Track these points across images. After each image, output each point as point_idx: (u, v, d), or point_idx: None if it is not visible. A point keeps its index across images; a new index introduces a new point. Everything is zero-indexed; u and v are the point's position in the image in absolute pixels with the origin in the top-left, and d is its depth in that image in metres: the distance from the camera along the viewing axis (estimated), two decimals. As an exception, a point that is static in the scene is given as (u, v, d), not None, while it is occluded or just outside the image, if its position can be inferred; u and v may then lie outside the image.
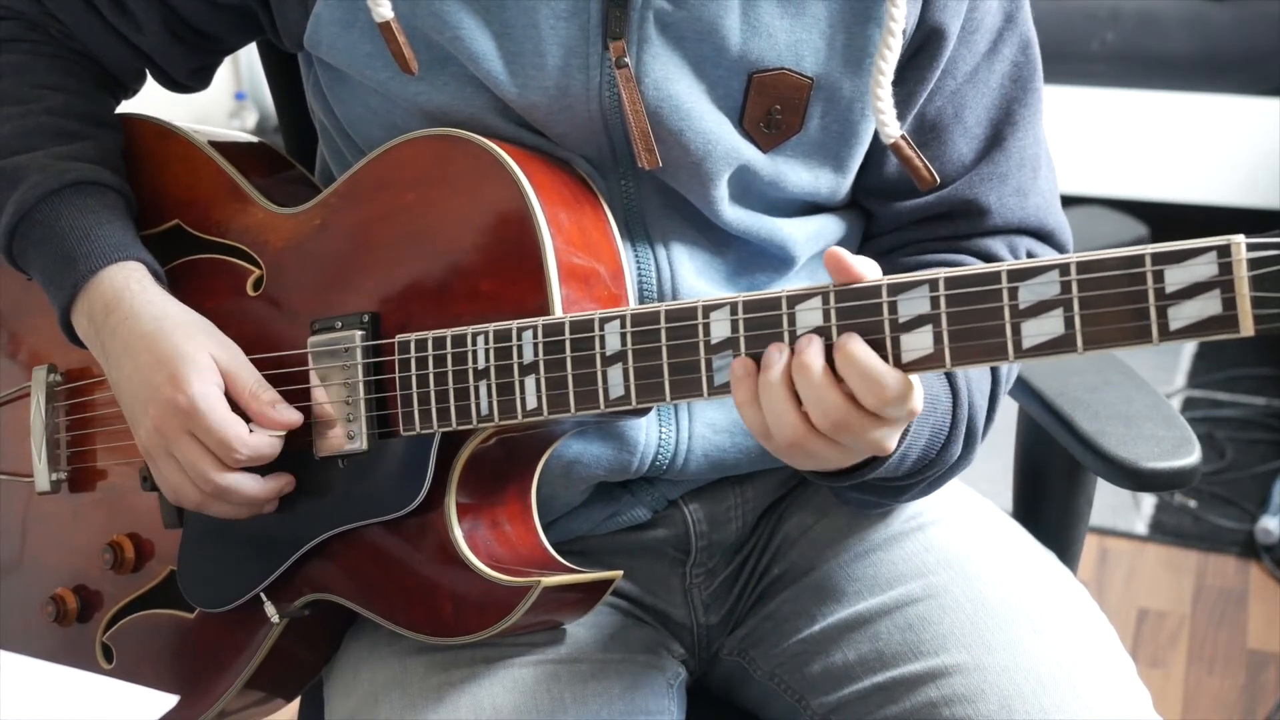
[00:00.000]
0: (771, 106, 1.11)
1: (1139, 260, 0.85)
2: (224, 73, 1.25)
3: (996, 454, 1.43)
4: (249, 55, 3.45)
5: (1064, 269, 0.87)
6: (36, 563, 1.31)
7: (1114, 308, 0.86)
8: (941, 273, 0.91)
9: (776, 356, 0.96)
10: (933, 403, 1.07)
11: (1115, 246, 0.87)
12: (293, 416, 1.12)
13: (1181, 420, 1.28)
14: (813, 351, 0.95)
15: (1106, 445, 1.24)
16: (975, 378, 1.11)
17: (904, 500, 1.16)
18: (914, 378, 0.94)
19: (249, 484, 1.12)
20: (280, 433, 1.12)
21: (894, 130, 1.07)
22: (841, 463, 1.00)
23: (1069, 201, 1.24)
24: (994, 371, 1.14)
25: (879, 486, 1.11)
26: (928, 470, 1.10)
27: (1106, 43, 3.36)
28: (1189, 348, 3.21)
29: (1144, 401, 1.30)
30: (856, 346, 0.93)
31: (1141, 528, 2.71)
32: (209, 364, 1.11)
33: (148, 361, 1.12)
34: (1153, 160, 3.37)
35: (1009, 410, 1.26)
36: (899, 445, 1.02)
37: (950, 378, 1.09)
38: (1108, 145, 3.38)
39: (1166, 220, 3.37)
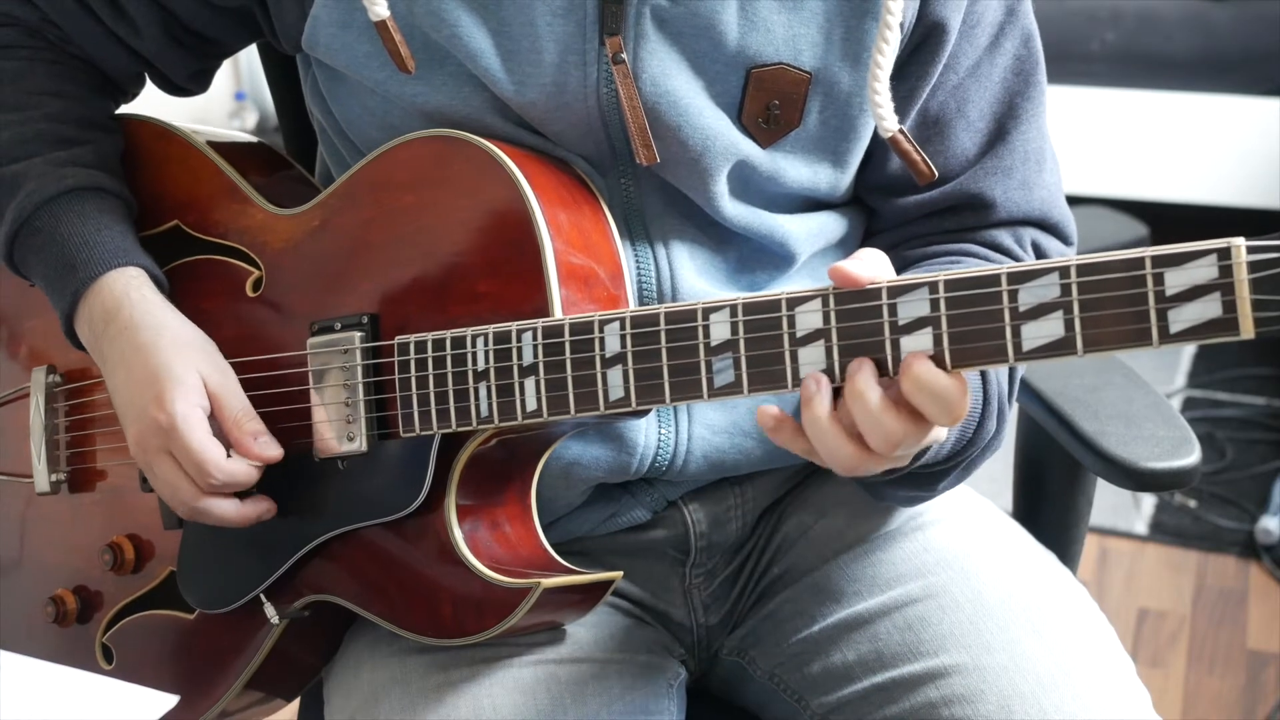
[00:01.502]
0: (770, 102, 1.11)
1: (1139, 263, 0.85)
2: (224, 73, 1.25)
3: (997, 454, 1.43)
4: (249, 55, 3.45)
5: (1064, 271, 0.87)
6: (36, 563, 1.31)
7: (1114, 310, 0.86)
8: (941, 275, 0.91)
9: (814, 389, 0.93)
10: None
11: (1115, 247, 0.87)
12: (273, 452, 1.12)
13: (1181, 420, 1.28)
14: (864, 377, 0.92)
15: (1106, 445, 1.24)
16: None
17: (941, 489, 1.14)
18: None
19: (225, 508, 1.12)
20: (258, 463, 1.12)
21: (892, 124, 1.07)
22: (896, 464, 0.98)
23: (1069, 201, 1.23)
24: None
25: (919, 475, 1.11)
26: (965, 451, 1.10)
27: (1106, 43, 3.37)
28: (1189, 348, 3.21)
29: (1144, 401, 1.30)
30: (924, 369, 0.90)
31: (1141, 528, 2.71)
32: (196, 384, 1.11)
33: (139, 376, 1.12)
34: (1153, 160, 3.37)
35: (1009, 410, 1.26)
36: None
37: None
38: (1108, 145, 3.38)
39: (1166, 220, 3.37)
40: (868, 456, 0.94)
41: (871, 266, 0.94)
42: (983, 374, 1.09)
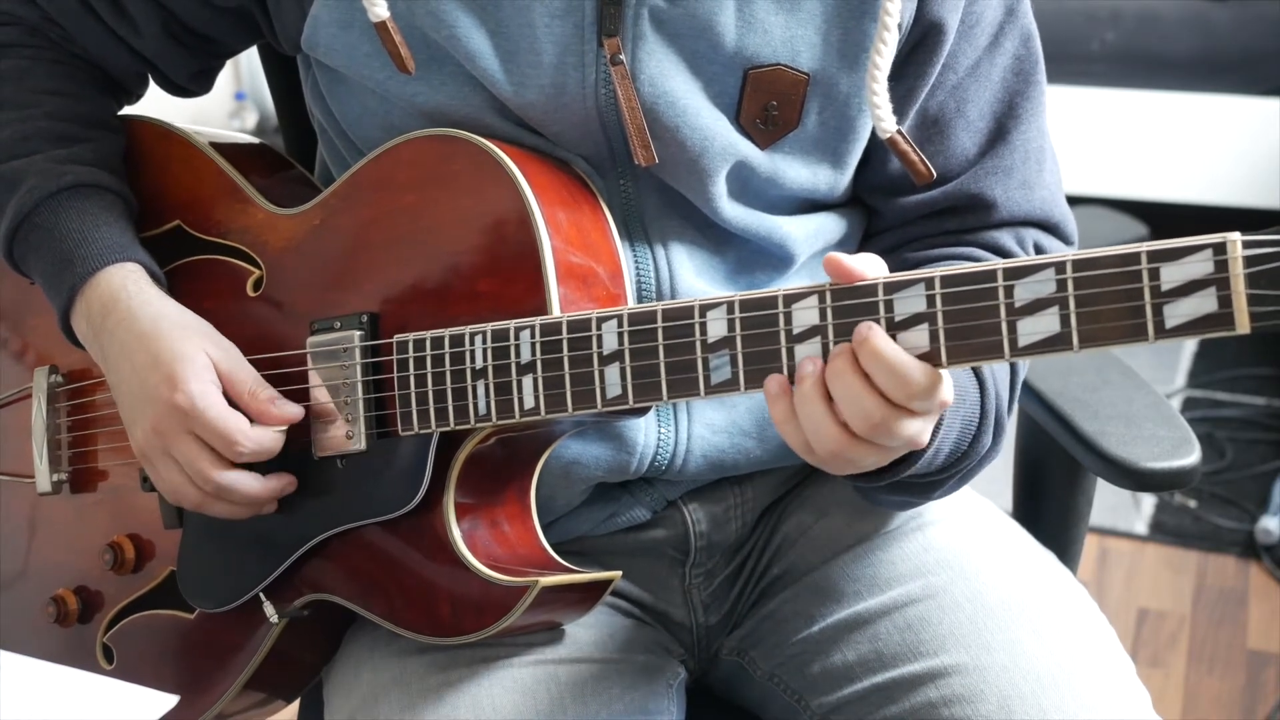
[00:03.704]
0: (768, 103, 1.11)
1: (1135, 258, 0.85)
2: (224, 73, 1.25)
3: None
4: (249, 55, 3.45)
5: (1060, 267, 0.87)
6: (38, 563, 1.31)
7: (1110, 305, 0.86)
8: (938, 271, 0.91)
9: (810, 368, 0.95)
10: (961, 395, 1.06)
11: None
12: (293, 411, 1.12)
13: (1181, 420, 1.28)
14: (845, 356, 0.94)
15: (1106, 445, 1.24)
16: (997, 367, 1.11)
17: (936, 498, 1.15)
18: (943, 371, 0.94)
19: (249, 482, 1.12)
20: (282, 428, 1.12)
21: (890, 125, 1.07)
22: (880, 463, 0.99)
23: (1069, 202, 1.24)
24: (1012, 367, 1.14)
25: (913, 484, 1.11)
26: (961, 463, 1.10)
27: (1106, 43, 3.36)
28: (1189, 347, 3.21)
29: (1144, 401, 1.30)
30: (880, 341, 0.92)
31: (1141, 528, 2.71)
32: (205, 363, 1.11)
33: (144, 362, 1.12)
34: (1153, 160, 3.37)
35: (1009, 410, 1.26)
36: (932, 440, 1.02)
37: (975, 369, 1.09)
38: (1108, 145, 3.38)
39: (1166, 220, 3.37)
40: (851, 441, 0.95)
41: (866, 261, 0.95)
42: (981, 387, 1.09)
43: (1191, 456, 1.24)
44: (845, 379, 0.94)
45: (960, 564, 1.19)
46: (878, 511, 1.23)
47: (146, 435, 1.12)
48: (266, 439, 1.11)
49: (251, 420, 1.11)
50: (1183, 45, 3.31)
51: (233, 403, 1.11)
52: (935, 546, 1.21)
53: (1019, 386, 1.15)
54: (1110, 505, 2.71)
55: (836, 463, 0.97)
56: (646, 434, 1.15)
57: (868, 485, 1.07)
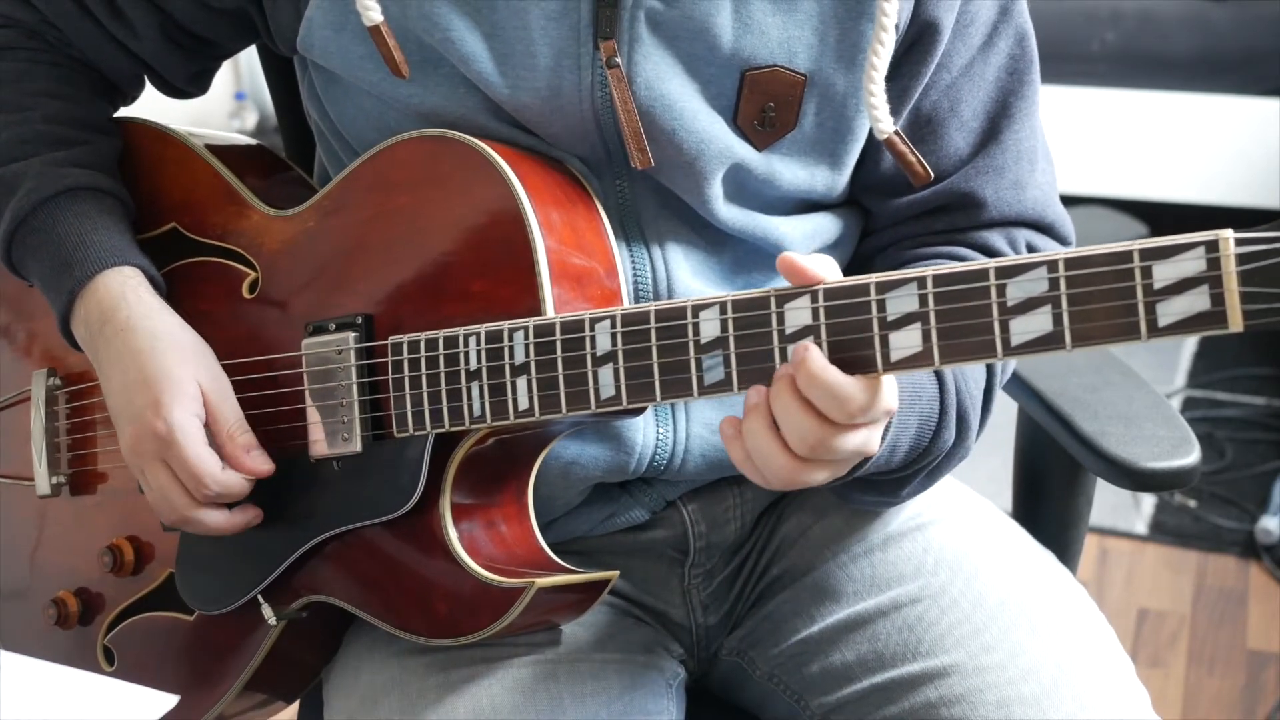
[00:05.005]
0: (765, 104, 1.11)
1: (1127, 256, 0.85)
2: (224, 73, 1.26)
3: (996, 454, 1.43)
4: (249, 55, 3.45)
5: (1052, 265, 0.87)
6: (38, 566, 1.32)
7: (1102, 304, 0.86)
8: (930, 270, 0.91)
9: (755, 398, 0.96)
10: (917, 391, 1.06)
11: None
12: (264, 467, 1.12)
13: (1181, 420, 1.28)
14: (785, 379, 0.94)
15: (1106, 445, 1.24)
16: (966, 368, 1.11)
17: (905, 494, 1.15)
18: (885, 377, 0.94)
19: (215, 518, 1.13)
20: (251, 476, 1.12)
21: (887, 126, 1.07)
22: (836, 475, 1.00)
23: (1069, 201, 1.23)
24: (989, 365, 1.14)
25: (876, 481, 1.11)
26: (922, 460, 1.10)
27: (1106, 43, 3.37)
28: (1189, 347, 3.21)
29: (1144, 401, 1.30)
30: (815, 364, 0.92)
31: (1141, 528, 2.71)
32: (194, 393, 1.11)
33: (136, 380, 1.12)
34: (1153, 160, 3.37)
35: (1009, 410, 1.26)
36: (885, 437, 1.02)
37: None
38: (1108, 145, 3.38)
39: (1166, 220, 3.38)
40: (799, 464, 0.96)
41: (818, 261, 0.95)
42: (940, 383, 1.09)
43: (1191, 456, 1.24)
44: (782, 400, 0.94)
45: (960, 564, 1.19)
46: (877, 512, 1.24)
47: (128, 451, 1.13)
48: (234, 484, 1.11)
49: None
50: (1183, 45, 3.31)
51: (212, 437, 1.12)
52: (935, 547, 1.21)
53: (996, 390, 1.15)
54: (1110, 505, 2.71)
55: (792, 486, 0.98)
56: (645, 434, 1.15)
57: (832, 485, 1.07)
